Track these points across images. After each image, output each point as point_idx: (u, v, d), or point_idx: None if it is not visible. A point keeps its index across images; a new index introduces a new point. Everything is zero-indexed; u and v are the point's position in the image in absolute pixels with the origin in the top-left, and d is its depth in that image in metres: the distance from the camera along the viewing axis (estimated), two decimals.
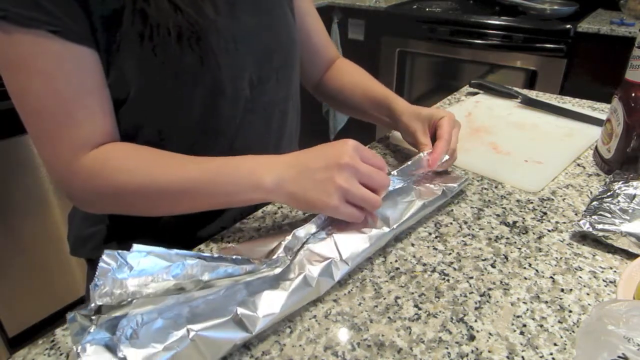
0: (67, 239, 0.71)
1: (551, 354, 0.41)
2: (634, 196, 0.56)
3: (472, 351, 0.41)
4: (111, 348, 0.37)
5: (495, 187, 0.66)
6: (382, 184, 0.52)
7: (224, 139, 0.61)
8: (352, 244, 0.50)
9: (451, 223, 0.59)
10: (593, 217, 0.54)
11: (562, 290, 0.48)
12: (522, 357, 0.40)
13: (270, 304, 0.43)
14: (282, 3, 0.66)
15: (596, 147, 0.72)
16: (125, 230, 0.65)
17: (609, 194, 0.57)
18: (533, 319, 0.44)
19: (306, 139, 0.74)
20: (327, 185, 0.49)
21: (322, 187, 0.49)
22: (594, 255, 0.53)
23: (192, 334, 0.38)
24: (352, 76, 0.80)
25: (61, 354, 0.42)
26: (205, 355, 0.38)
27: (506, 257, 0.53)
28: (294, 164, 0.52)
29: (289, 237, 0.48)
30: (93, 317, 0.38)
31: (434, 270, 0.51)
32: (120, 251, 0.39)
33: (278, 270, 0.44)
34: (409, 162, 0.59)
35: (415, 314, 0.45)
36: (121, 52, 0.51)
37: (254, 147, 0.63)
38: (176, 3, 0.52)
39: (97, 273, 0.38)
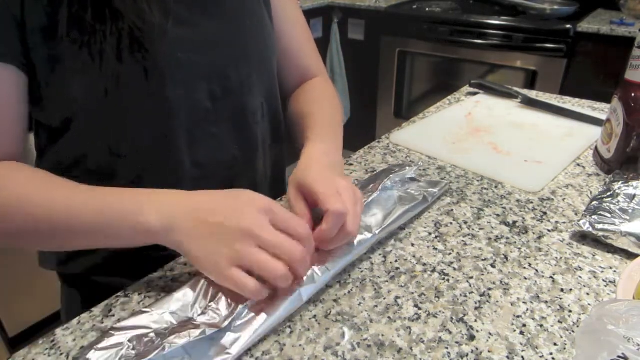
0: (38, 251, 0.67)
1: (551, 354, 0.41)
2: (634, 196, 0.56)
3: (472, 351, 0.41)
4: None
5: (495, 187, 0.66)
6: (293, 257, 0.42)
7: (182, 154, 0.57)
8: (333, 251, 0.48)
9: (451, 223, 0.59)
10: (593, 217, 0.54)
11: (562, 290, 0.48)
12: (522, 357, 0.40)
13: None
14: (253, 7, 0.61)
15: (596, 147, 0.72)
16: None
17: (608, 194, 0.57)
18: (533, 319, 0.44)
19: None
20: (220, 247, 0.42)
21: (214, 248, 0.42)
22: (593, 255, 0.53)
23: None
24: (303, 104, 0.68)
25: (61, 354, 0.42)
26: None
27: (506, 257, 0.53)
28: (193, 210, 0.44)
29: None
30: None
31: (434, 270, 0.51)
32: None
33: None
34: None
35: (415, 314, 0.45)
36: (62, 66, 0.48)
37: (220, 161, 0.60)
38: (117, 7, 0.47)
39: None
